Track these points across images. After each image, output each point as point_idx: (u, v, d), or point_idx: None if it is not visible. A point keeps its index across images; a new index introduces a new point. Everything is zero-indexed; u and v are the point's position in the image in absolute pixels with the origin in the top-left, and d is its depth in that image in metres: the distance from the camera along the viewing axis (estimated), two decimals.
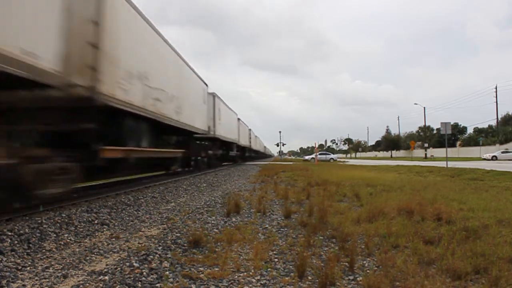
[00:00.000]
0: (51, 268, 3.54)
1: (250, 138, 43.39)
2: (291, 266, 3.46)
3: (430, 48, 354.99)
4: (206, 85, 17.61)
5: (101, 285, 3.02)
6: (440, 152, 54.73)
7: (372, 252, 3.82)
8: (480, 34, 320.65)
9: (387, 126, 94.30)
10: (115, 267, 3.46)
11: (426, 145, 58.21)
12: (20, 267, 3.53)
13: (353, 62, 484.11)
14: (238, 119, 31.89)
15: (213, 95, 20.57)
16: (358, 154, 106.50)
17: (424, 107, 73.94)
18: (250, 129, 43.57)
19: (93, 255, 3.96)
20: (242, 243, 4.24)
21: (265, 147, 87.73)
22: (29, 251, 4.04)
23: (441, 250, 3.68)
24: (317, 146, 41.31)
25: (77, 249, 4.22)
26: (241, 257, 3.74)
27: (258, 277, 3.21)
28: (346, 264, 3.46)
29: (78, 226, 5.23)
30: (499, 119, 61.81)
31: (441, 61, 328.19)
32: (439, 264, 3.35)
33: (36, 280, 3.21)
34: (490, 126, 71.39)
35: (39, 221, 5.07)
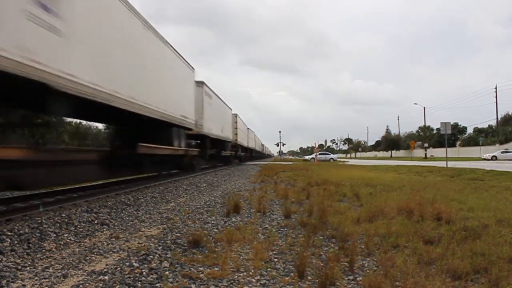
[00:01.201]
0: (51, 268, 3.54)
1: (237, 128, 29.53)
2: (291, 266, 3.46)
3: (431, 47, 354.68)
4: None
5: (101, 285, 3.02)
6: (440, 152, 54.71)
7: (372, 252, 3.82)
8: (481, 33, 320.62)
9: (387, 126, 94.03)
10: (115, 267, 3.46)
11: (426, 145, 58.19)
12: (20, 267, 3.54)
13: (353, 62, 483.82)
14: (211, 91, 19.54)
15: None
16: (358, 154, 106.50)
17: (424, 107, 73.87)
18: (236, 115, 29.67)
19: (93, 255, 3.96)
20: (242, 243, 4.24)
21: (263, 145, 79.66)
22: (29, 251, 4.04)
23: (441, 250, 3.68)
24: (317, 146, 41.35)
25: (77, 249, 4.22)
26: (241, 257, 3.74)
27: (258, 277, 3.21)
28: (346, 264, 3.46)
29: (78, 226, 5.23)
30: (499, 119, 61.84)
31: (441, 60, 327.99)
32: (439, 264, 3.35)
33: (36, 280, 3.21)
34: (490, 126, 71.39)
35: (39, 221, 5.07)
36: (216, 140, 20.73)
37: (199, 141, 17.09)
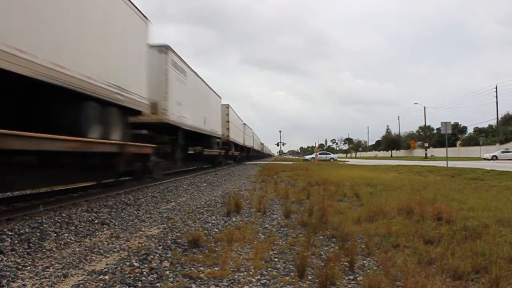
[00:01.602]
0: (51, 267, 3.54)
1: (229, 122, 25.58)
2: (291, 266, 3.46)
3: (431, 47, 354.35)
4: None
5: (101, 284, 3.02)
6: (440, 151, 54.70)
7: (372, 252, 3.82)
8: (482, 32, 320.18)
9: (387, 126, 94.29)
10: (115, 266, 3.46)
11: (426, 144, 58.20)
12: (20, 267, 3.53)
13: (354, 61, 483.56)
14: (186, 65, 14.05)
15: None
16: (358, 154, 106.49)
17: (424, 107, 74.09)
18: (228, 106, 25.65)
19: (93, 254, 3.96)
20: (242, 242, 4.24)
21: (262, 144, 77.79)
22: (29, 250, 4.04)
23: (441, 249, 3.68)
24: (317, 145, 41.36)
25: (77, 249, 4.22)
26: (241, 257, 3.74)
27: (258, 277, 3.21)
28: (346, 263, 3.46)
29: (78, 226, 5.24)
30: (500, 118, 61.84)
31: (442, 60, 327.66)
32: (439, 263, 3.34)
33: (36, 279, 3.21)
34: (490, 126, 71.44)
35: (39, 221, 5.07)
36: (195, 134, 15.46)
37: (174, 136, 12.57)
